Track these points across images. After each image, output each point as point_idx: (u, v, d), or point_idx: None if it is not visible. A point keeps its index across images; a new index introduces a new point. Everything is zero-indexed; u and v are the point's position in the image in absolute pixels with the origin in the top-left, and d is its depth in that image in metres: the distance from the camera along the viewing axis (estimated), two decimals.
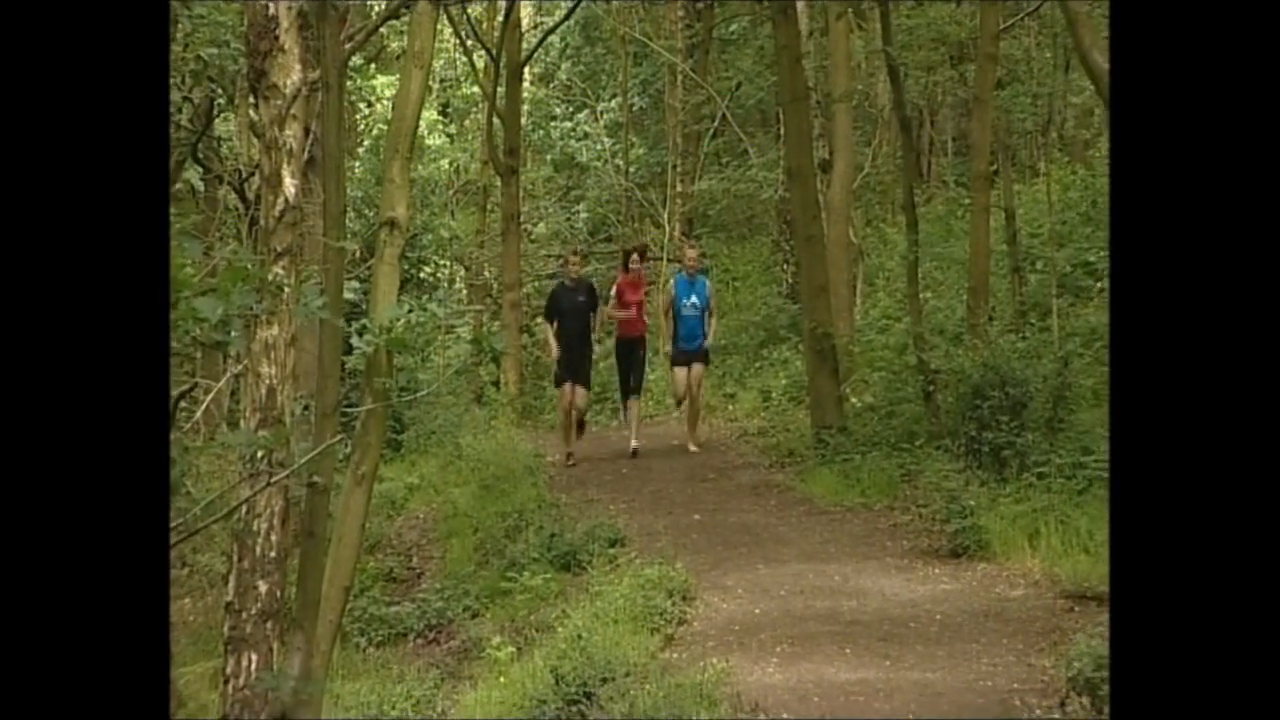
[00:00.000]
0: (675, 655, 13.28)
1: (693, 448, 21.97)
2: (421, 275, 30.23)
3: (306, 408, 10.10)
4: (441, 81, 33.20)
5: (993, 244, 22.68)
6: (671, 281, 22.31)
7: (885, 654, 13.18)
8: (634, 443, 21.99)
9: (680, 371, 21.82)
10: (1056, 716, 11.37)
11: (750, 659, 13.12)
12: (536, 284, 33.37)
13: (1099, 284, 23.15)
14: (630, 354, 22.24)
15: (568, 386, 21.58)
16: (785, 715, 11.64)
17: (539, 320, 32.76)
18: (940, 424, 19.14)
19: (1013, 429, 17.53)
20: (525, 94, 30.84)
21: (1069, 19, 18.26)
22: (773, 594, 15.12)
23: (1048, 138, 29.29)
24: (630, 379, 22.30)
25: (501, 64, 28.26)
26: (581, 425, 22.18)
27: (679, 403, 22.56)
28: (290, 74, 10.64)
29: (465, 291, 32.36)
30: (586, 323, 21.66)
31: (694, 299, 21.61)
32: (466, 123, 35.08)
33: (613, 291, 22.26)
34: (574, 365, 21.52)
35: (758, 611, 14.61)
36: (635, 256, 22.29)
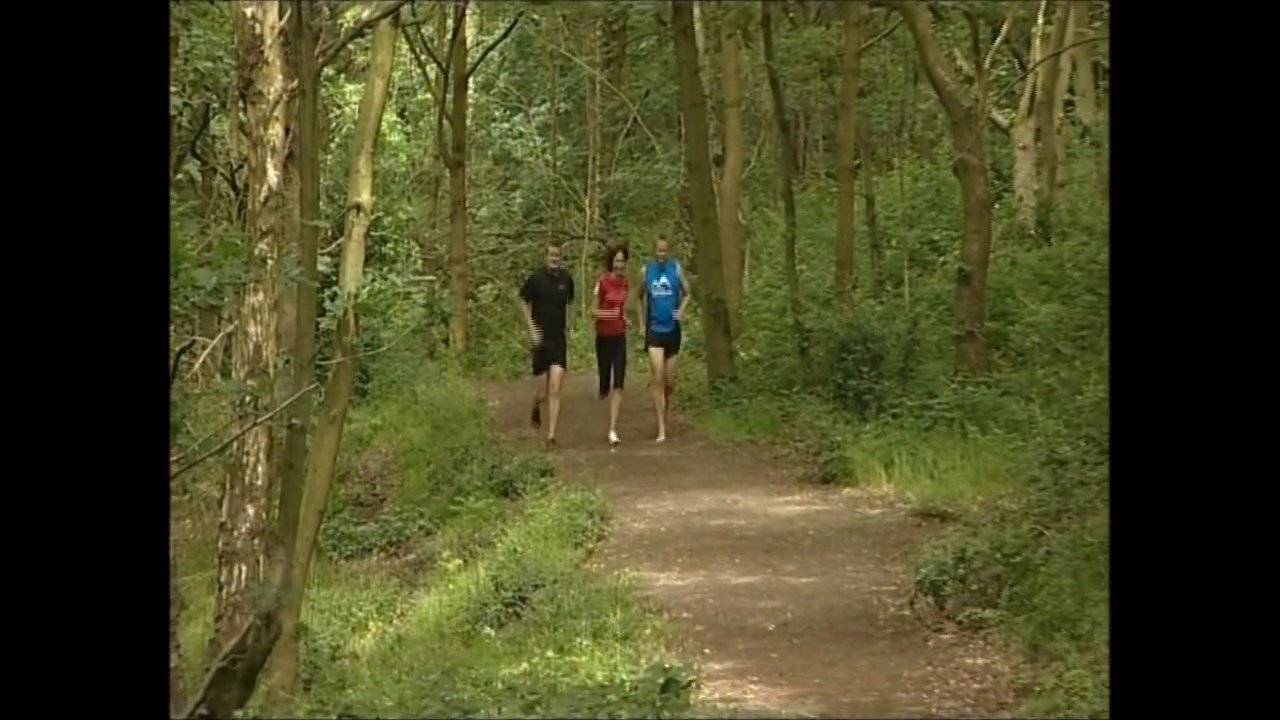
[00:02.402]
0: (595, 565, 13.33)
1: (661, 437, 18.94)
2: (383, 251, 30.00)
3: (287, 361, 10.06)
4: (400, 89, 32.93)
5: (856, 225, 22.72)
6: (643, 269, 19.85)
7: (768, 563, 13.26)
8: (613, 435, 18.88)
9: (656, 351, 19.17)
10: (906, 613, 11.48)
11: (656, 568, 13.18)
12: (480, 258, 33.24)
13: (942, 258, 23.27)
14: (612, 350, 19.33)
15: (545, 374, 18.96)
16: (685, 614, 11.70)
17: (484, 288, 32.74)
18: (813, 373, 19.20)
19: (872, 377, 17.63)
20: (469, 100, 30.64)
21: (917, 40, 18.36)
22: (675, 515, 15.18)
23: (900, 137, 29.40)
24: (612, 374, 19.23)
25: (450, 74, 28.18)
26: (538, 418, 19.39)
27: (658, 383, 19.37)
28: (273, 83, 10.60)
29: (420, 264, 32.16)
30: (563, 311, 19.08)
31: (664, 280, 19.13)
32: (420, 123, 34.82)
33: (595, 290, 19.79)
34: (551, 350, 18.83)
35: (663, 529, 14.66)
36: (620, 255, 19.62)
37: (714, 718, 8.47)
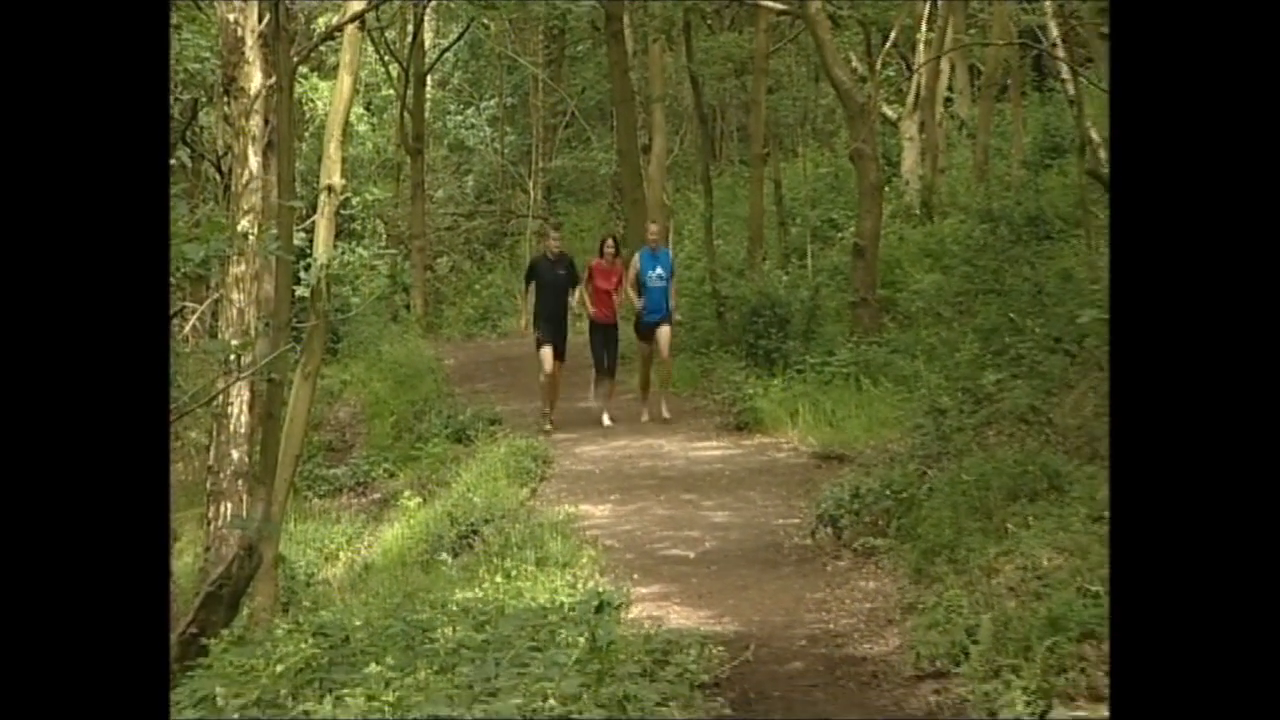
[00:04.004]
0: (537, 502, 13.34)
1: (665, 415, 16.82)
2: (352, 228, 29.87)
3: (267, 324, 9.98)
4: (366, 85, 32.67)
5: (765, 205, 22.80)
6: (635, 257, 17.17)
7: (688, 499, 13.31)
8: (606, 419, 16.84)
9: (644, 346, 17.00)
10: (809, 542, 11.55)
11: (591, 504, 13.21)
12: (437, 234, 33.04)
13: (839, 234, 23.30)
14: (604, 337, 17.02)
15: (547, 350, 16.50)
16: (616, 544, 11.73)
17: (441, 260, 32.58)
18: (728, 335, 19.24)
19: (779, 338, 17.68)
20: (428, 95, 30.46)
21: (818, 44, 18.37)
22: (608, 458, 15.20)
23: (804, 129, 29.43)
24: (604, 361, 17.04)
25: (410, 73, 28.02)
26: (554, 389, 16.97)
27: (644, 385, 17.20)
28: (253, 80, 10.50)
29: (384, 240, 31.98)
30: (565, 296, 16.74)
31: (659, 269, 16.84)
32: (384, 116, 34.53)
33: (585, 276, 17.08)
34: (551, 334, 16.53)
35: (597, 471, 14.68)
36: (610, 243, 17.19)
37: (641, 634, 8.50)
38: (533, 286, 16.92)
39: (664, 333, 16.87)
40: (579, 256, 18.61)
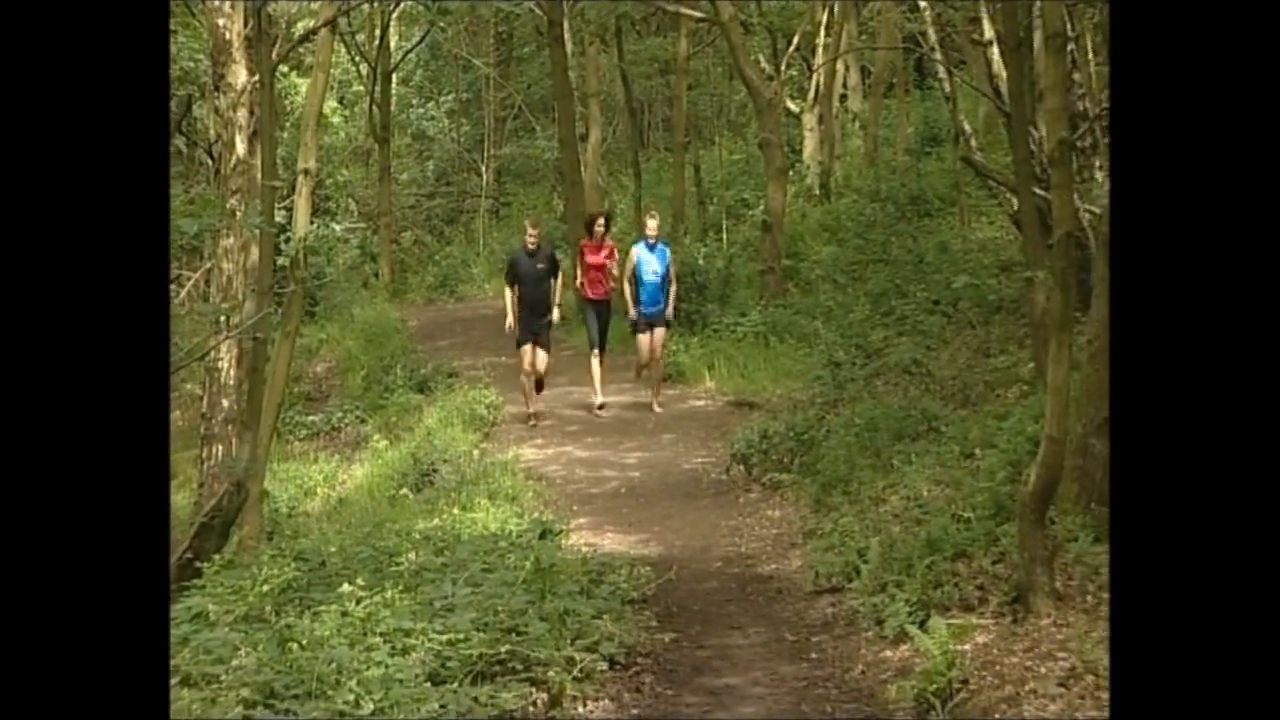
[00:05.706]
0: (489, 445, 13.34)
1: (657, 409, 14.62)
2: (326, 206, 29.57)
3: (252, 290, 9.91)
4: (339, 82, 32.30)
5: (687, 187, 22.82)
6: (633, 250, 14.97)
7: (618, 441, 13.36)
8: (598, 399, 14.94)
9: (643, 338, 14.75)
10: (724, 477, 11.64)
11: (534, 446, 13.24)
12: (401, 212, 32.73)
13: (750, 211, 23.30)
14: (595, 313, 15.17)
15: (528, 348, 14.55)
16: (557, 480, 11.79)
17: (405, 234, 32.33)
18: None
19: (698, 301, 17.68)
20: (393, 90, 30.17)
21: (731, 47, 18.37)
22: (550, 407, 15.18)
23: (720, 121, 29.36)
24: (596, 337, 15.08)
25: (377, 70, 27.77)
26: (540, 384, 14.92)
27: (639, 370, 15.25)
28: (239, 77, 10.40)
29: (355, 216, 31.70)
30: (546, 289, 14.63)
31: (654, 265, 14.77)
32: (355, 108, 34.17)
33: (576, 255, 15.68)
34: (534, 329, 14.53)
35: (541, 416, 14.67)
36: (602, 221, 15.33)
37: (578, 558, 8.54)
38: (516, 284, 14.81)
39: (659, 335, 14.81)
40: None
